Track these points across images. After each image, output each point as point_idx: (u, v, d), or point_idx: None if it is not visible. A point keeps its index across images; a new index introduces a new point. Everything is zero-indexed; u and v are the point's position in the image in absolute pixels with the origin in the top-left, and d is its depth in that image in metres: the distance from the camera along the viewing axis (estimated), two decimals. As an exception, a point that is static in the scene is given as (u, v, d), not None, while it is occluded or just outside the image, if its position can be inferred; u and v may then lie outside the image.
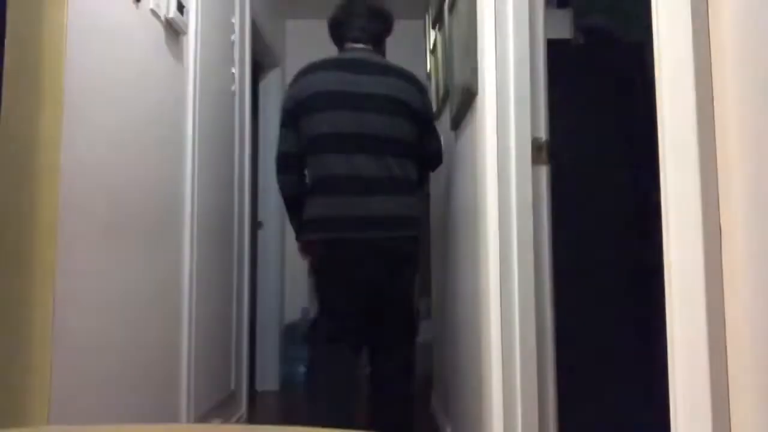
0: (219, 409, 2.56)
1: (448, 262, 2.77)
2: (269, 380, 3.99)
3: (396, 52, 4.53)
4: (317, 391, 2.22)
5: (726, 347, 0.72)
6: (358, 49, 2.32)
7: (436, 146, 2.43)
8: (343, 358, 2.20)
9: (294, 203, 2.31)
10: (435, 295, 3.33)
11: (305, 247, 2.32)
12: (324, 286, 2.28)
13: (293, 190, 2.30)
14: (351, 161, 2.15)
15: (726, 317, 0.72)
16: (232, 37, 2.87)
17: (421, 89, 2.34)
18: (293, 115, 2.24)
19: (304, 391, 2.72)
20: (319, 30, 4.49)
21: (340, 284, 2.24)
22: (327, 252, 2.22)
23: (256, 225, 3.93)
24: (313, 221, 2.21)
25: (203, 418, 2.33)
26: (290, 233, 2.79)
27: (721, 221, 0.73)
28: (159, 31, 1.98)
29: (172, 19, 2.01)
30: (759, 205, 0.67)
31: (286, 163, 2.28)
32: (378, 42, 2.38)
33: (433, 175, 3.40)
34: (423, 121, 2.31)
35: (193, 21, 2.26)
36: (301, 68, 2.32)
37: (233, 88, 2.87)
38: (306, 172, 2.29)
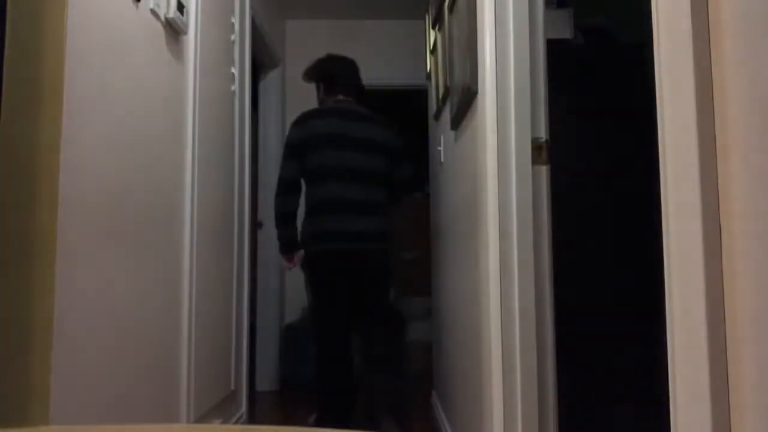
0: (219, 409, 2.57)
1: (447, 262, 2.77)
2: (269, 380, 3.98)
3: (396, 52, 4.55)
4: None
5: (726, 347, 0.72)
6: (348, 101, 2.93)
7: (407, 173, 2.98)
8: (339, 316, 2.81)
9: (287, 221, 2.81)
10: (435, 295, 3.33)
11: (307, 256, 2.80)
12: (317, 281, 2.82)
13: (291, 209, 2.80)
14: (342, 189, 2.74)
15: (726, 317, 0.72)
16: (232, 37, 2.87)
17: (394, 132, 2.93)
18: (298, 150, 2.79)
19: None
20: (319, 30, 4.53)
21: (332, 280, 2.80)
22: (325, 257, 2.76)
23: (256, 225, 3.93)
24: (315, 235, 2.74)
25: (203, 418, 2.33)
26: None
27: (721, 221, 0.73)
28: (159, 31, 1.98)
29: (172, 19, 2.01)
30: (759, 205, 0.67)
31: (289, 186, 2.79)
32: (360, 95, 2.99)
33: (432, 175, 3.40)
34: (395, 156, 2.91)
35: (193, 21, 2.26)
36: (302, 113, 2.88)
37: (233, 88, 2.87)
38: (304, 196, 2.83)
